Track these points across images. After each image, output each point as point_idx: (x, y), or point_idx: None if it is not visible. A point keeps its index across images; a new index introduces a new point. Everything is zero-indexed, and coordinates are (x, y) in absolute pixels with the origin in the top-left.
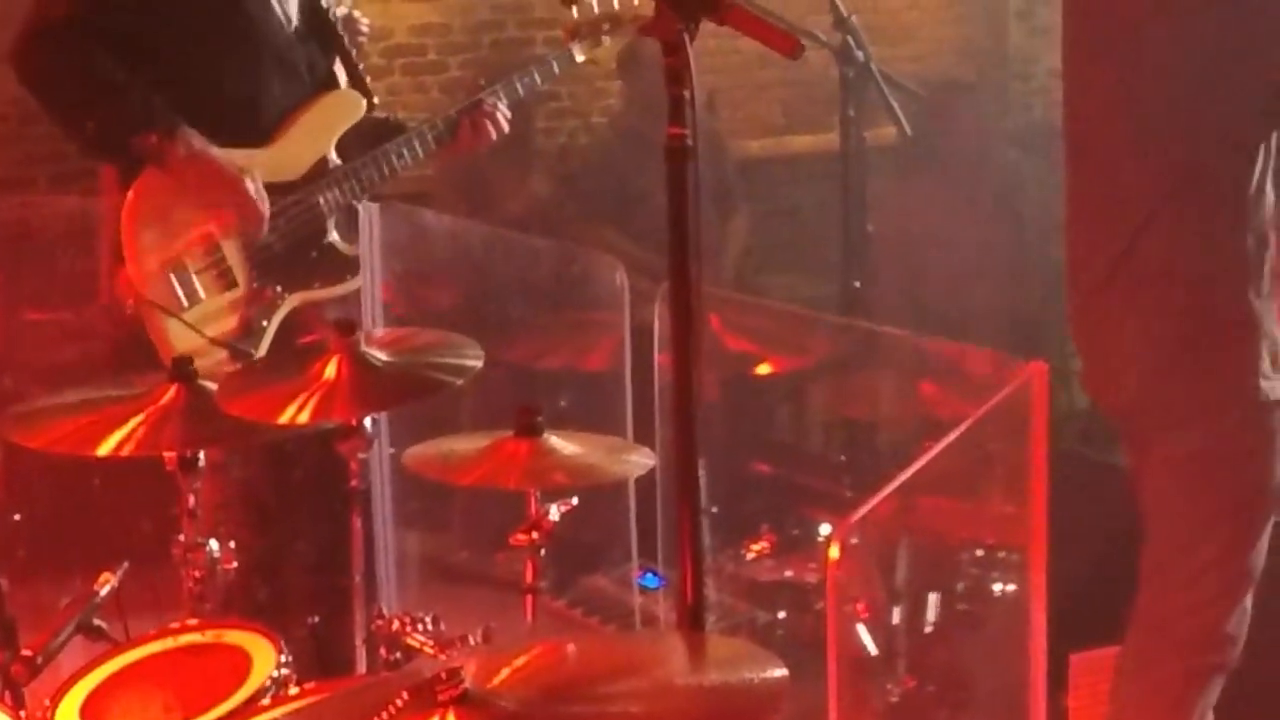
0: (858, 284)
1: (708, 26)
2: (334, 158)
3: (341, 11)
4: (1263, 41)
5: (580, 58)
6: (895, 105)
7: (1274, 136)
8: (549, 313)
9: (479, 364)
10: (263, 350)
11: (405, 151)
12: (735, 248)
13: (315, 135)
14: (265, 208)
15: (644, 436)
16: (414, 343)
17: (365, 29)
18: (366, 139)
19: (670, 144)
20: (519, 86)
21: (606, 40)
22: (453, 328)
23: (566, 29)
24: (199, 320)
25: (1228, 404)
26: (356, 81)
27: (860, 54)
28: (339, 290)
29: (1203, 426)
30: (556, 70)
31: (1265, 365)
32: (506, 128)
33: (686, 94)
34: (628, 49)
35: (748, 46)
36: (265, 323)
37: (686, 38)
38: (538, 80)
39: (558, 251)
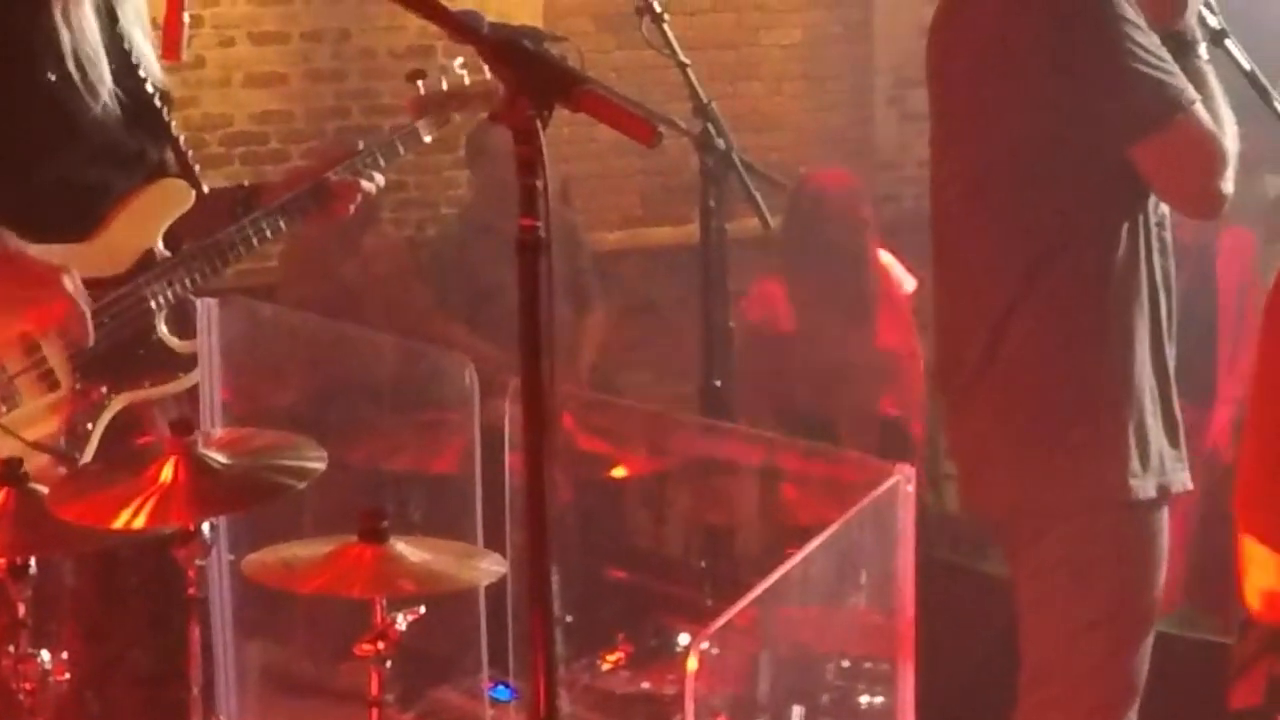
0: (718, 383)
1: (562, 113)
2: (161, 249)
3: None
4: (1110, 117)
5: (427, 138)
6: (757, 195)
7: (1145, 213)
8: (395, 412)
9: (322, 466)
10: (89, 454)
11: (239, 244)
12: (590, 344)
13: (140, 227)
14: (86, 306)
15: (494, 542)
16: (254, 444)
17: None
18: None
19: (522, 236)
20: (359, 167)
21: (455, 118)
22: (294, 428)
23: (411, 106)
24: (18, 424)
25: (1097, 507)
26: (185, 170)
27: (721, 142)
28: (171, 389)
29: (1073, 530)
30: (401, 151)
31: (1135, 464)
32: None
33: (539, 184)
34: (476, 136)
35: (604, 134)
36: (90, 425)
37: (539, 125)
38: (380, 163)
39: (404, 348)
